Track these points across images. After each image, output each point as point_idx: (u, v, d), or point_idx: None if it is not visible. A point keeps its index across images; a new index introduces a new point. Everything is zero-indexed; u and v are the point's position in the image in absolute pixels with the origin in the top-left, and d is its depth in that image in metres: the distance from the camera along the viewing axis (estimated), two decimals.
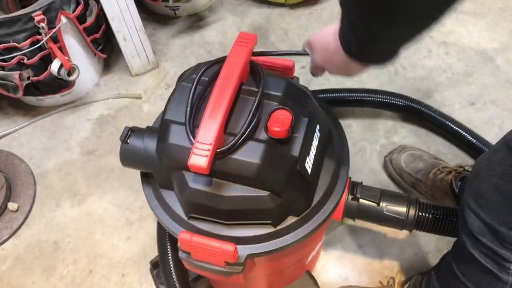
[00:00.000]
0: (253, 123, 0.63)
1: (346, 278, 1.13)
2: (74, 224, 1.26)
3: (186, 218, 0.71)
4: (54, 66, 1.28)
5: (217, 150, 0.61)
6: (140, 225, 1.24)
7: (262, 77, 0.68)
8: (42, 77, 1.30)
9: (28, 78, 1.28)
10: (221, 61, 0.69)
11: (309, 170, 0.69)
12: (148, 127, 0.76)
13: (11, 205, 1.27)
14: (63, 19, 1.25)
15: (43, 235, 1.25)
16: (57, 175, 1.36)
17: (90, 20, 1.35)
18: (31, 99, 1.47)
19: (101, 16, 1.41)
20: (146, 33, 1.48)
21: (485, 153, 0.74)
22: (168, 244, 0.94)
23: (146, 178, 0.77)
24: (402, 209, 0.88)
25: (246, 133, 0.63)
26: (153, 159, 0.70)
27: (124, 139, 0.71)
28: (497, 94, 1.43)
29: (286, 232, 0.70)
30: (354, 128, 1.39)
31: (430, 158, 1.20)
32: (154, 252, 1.19)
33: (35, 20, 1.19)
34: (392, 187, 1.26)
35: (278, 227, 0.70)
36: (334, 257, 1.16)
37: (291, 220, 0.70)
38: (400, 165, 1.21)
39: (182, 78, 0.76)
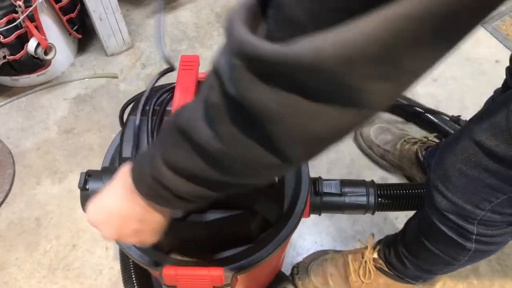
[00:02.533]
0: None
1: (322, 244, 1.20)
2: (55, 201, 1.28)
3: (164, 253, 0.71)
4: (31, 45, 1.29)
5: None
6: None
7: None
8: (18, 56, 1.30)
9: (4, 57, 1.28)
10: (169, 88, 0.70)
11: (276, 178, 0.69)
12: (104, 168, 0.74)
13: None
14: None
15: (25, 213, 1.27)
16: (36, 154, 1.37)
17: None
18: (6, 79, 1.47)
19: None
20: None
21: (448, 140, 0.81)
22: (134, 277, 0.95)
23: None
24: (363, 195, 0.91)
25: None
26: None
27: (82, 187, 0.68)
28: (457, 71, 1.52)
29: (267, 242, 0.73)
30: None
31: (397, 130, 1.28)
32: None
33: None
34: (362, 158, 1.33)
35: (258, 239, 0.72)
36: (309, 226, 1.23)
37: (267, 229, 0.73)
38: (370, 138, 1.28)
39: (131, 109, 0.72)
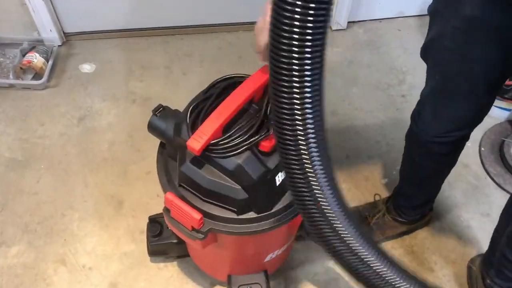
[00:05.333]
0: (248, 134, 0.82)
1: None
2: None
3: (177, 185, 0.90)
4: None
5: (212, 142, 0.79)
6: None
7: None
8: None
9: None
10: (240, 80, 0.87)
11: (277, 182, 0.87)
12: (174, 110, 0.93)
13: None
14: None
15: None
16: None
17: None
18: None
19: None
20: None
21: None
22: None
23: (162, 148, 0.98)
24: None
25: (242, 139, 0.82)
26: (168, 134, 0.89)
27: (155, 112, 0.91)
28: None
29: (245, 222, 0.88)
30: None
31: None
32: None
33: None
34: None
35: (240, 216, 0.87)
36: None
37: (252, 215, 0.88)
38: None
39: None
